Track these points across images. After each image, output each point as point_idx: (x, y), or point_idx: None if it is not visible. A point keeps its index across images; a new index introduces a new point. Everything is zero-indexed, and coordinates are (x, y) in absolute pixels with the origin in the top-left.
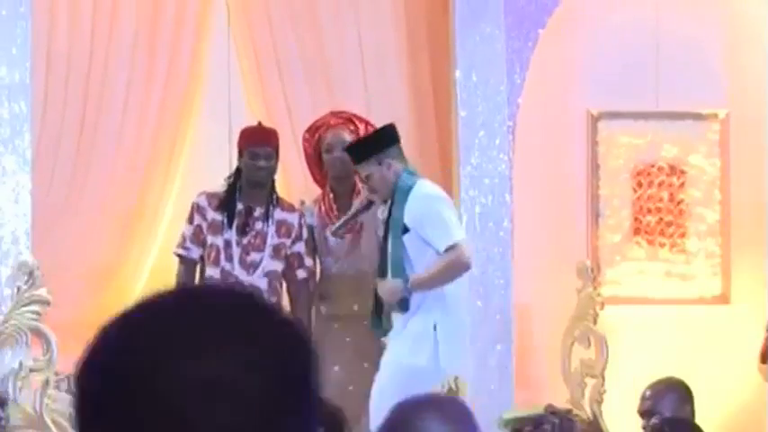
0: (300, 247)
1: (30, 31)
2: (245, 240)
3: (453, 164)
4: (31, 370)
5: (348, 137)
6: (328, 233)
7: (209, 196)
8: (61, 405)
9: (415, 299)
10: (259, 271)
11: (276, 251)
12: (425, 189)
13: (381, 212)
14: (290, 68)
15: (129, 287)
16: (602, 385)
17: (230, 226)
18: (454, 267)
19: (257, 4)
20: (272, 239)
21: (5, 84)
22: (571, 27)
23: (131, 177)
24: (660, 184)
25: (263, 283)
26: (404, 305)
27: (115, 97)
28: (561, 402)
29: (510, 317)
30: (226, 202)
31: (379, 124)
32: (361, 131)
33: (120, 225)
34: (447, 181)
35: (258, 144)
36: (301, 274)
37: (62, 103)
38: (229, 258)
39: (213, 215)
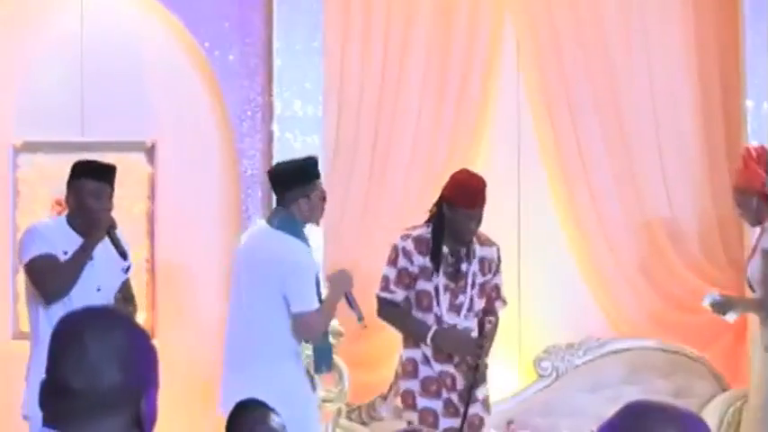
0: (498, 279)
1: (322, 66)
2: (452, 285)
3: None
4: (324, 400)
5: None
6: None
7: (416, 241)
8: None
9: None
10: (466, 311)
11: (481, 289)
12: None
13: None
14: (579, 103)
15: None
16: None
17: (437, 272)
18: None
19: (547, 41)
20: (477, 279)
21: (299, 117)
22: None
23: (421, 212)
24: None
25: (472, 323)
26: None
27: (406, 133)
28: None
29: None
30: (433, 249)
31: (668, 158)
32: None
33: None
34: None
35: (476, 207)
36: (498, 305)
37: (353, 138)
38: (439, 303)
39: (422, 260)
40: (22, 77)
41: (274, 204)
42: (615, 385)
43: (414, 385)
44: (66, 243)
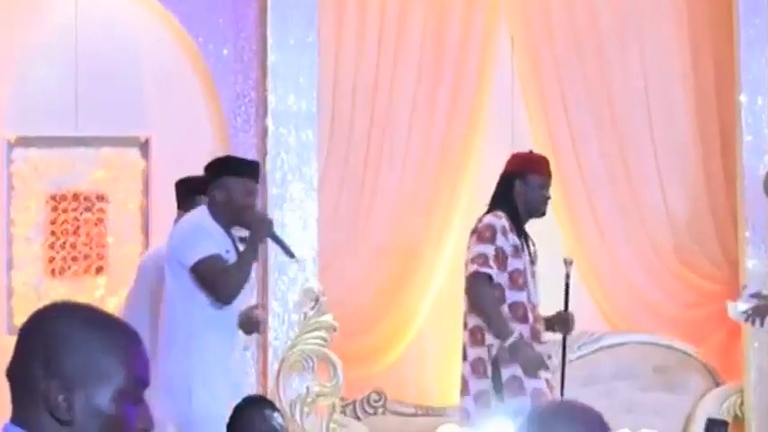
0: None
1: (316, 61)
2: (532, 267)
3: (739, 189)
4: (318, 395)
5: None
6: None
7: (508, 219)
8: (347, 430)
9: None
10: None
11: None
12: None
13: None
14: (573, 97)
15: (411, 315)
16: None
17: (525, 250)
18: None
19: (541, 36)
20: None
21: (293, 112)
22: None
23: (416, 206)
24: None
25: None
26: None
27: (400, 128)
28: None
29: None
30: (519, 225)
31: (663, 152)
32: None
33: (404, 254)
34: (731, 206)
35: (549, 174)
36: None
37: (347, 133)
38: (527, 283)
39: (515, 239)
40: (15, 72)
41: (269, 199)
42: (609, 380)
43: (518, 370)
44: (223, 241)
